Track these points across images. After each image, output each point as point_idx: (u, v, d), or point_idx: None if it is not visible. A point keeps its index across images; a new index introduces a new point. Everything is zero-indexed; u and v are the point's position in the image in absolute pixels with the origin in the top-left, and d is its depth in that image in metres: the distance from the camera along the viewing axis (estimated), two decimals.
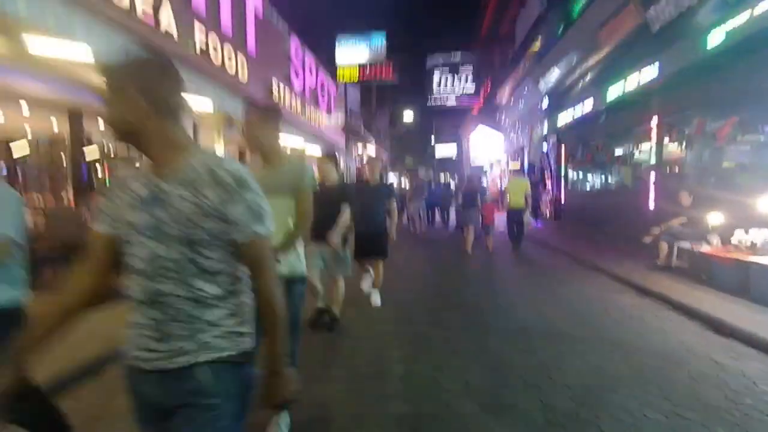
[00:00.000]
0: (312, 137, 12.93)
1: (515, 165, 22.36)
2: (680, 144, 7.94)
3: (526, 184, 9.97)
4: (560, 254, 9.45)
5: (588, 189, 12.83)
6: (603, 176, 11.83)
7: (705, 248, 6.14)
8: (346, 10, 21.17)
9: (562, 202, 14.61)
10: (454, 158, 42.63)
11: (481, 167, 33.04)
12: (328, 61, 19.22)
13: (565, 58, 11.83)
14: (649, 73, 8.13)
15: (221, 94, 6.85)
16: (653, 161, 8.76)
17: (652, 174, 8.77)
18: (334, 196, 3.99)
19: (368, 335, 4.37)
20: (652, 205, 8.76)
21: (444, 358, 3.76)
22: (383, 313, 5.15)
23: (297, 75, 11.31)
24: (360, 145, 25.43)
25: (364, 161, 21.61)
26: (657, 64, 7.85)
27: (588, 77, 11.42)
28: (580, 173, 13.45)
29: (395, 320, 4.87)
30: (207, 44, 6.77)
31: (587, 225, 12.10)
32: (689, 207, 6.94)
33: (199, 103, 6.23)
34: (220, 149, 8.81)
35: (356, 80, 19.36)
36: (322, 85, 14.00)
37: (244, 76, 8.20)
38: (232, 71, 7.71)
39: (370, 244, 5.21)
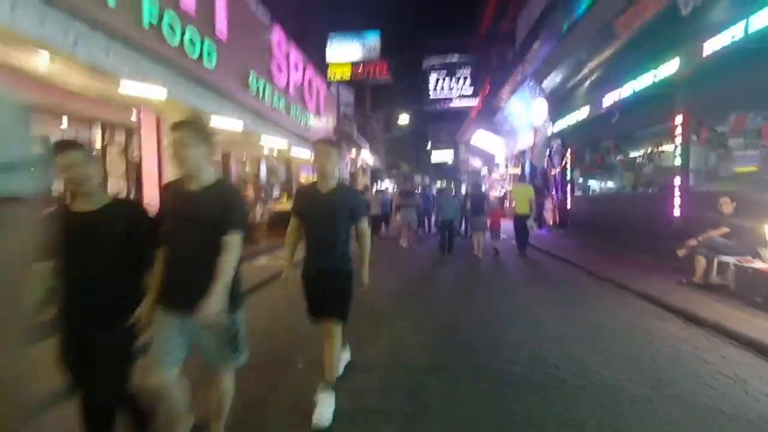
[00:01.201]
0: (298, 138, 11.88)
1: (515, 170, 21.50)
2: (712, 144, 6.96)
3: (530, 190, 10.39)
4: (574, 268, 8.42)
5: (598, 194, 11.85)
6: (616, 180, 10.85)
7: (759, 264, 5.12)
8: (339, 11, 20.17)
9: (569, 209, 13.63)
10: (450, 163, 41.79)
11: (479, 172, 32.17)
12: (319, 62, 18.27)
13: (571, 55, 10.93)
14: (673, 64, 7.18)
15: (178, 82, 5.80)
16: (678, 163, 7.77)
17: (677, 178, 7.78)
18: None
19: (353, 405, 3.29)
20: (677, 212, 7.77)
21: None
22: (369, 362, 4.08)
23: (280, 70, 10.29)
24: (354, 150, 24.47)
25: (358, 165, 20.31)
26: (684, 53, 6.89)
27: (597, 74, 10.51)
28: (589, 177, 12.48)
29: (387, 367, 3.80)
30: (160, 18, 5.71)
31: (598, 234, 11.11)
32: (732, 215, 5.94)
33: (144, 90, 5.17)
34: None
35: (348, 78, 18.31)
36: (310, 84, 12.98)
37: (211, 62, 7.16)
38: (194, 55, 6.67)
39: (320, 294, 2.99)
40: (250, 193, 16.36)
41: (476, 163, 31.00)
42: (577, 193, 13.16)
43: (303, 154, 12.67)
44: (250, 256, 9.80)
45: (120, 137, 8.86)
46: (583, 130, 11.83)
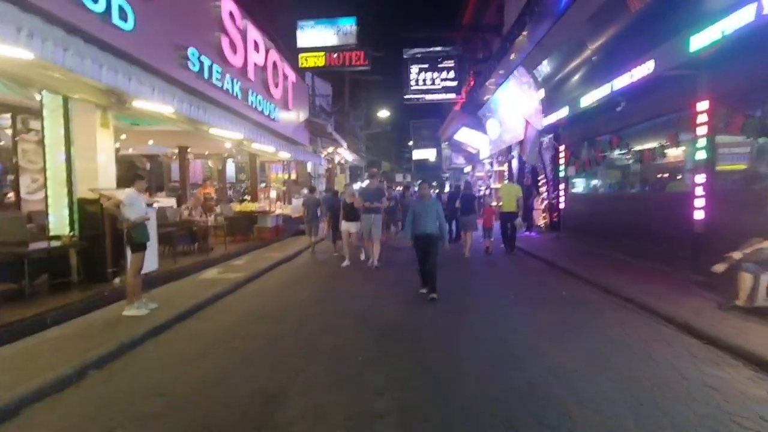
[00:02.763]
0: (260, 130, 10.32)
1: (501, 168, 20.33)
2: (751, 131, 5.74)
3: (518, 189, 10.56)
4: (576, 281, 7.15)
5: (597, 194, 10.64)
6: (619, 178, 9.65)
7: None
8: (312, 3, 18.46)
9: (561, 210, 12.44)
10: (432, 160, 40.53)
11: (463, 170, 31.00)
12: (289, 54, 16.69)
13: (571, 35, 9.70)
14: (699, 40, 5.93)
15: (63, 41, 4.24)
16: (702, 158, 6.56)
17: (701, 175, 6.57)
18: None
19: None
20: (700, 215, 6.56)
21: None
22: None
23: (234, 50, 8.73)
24: (332, 148, 22.92)
25: (336, 161, 18.65)
26: (711, 27, 5.65)
27: (599, 57, 9.28)
28: (586, 175, 11.28)
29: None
30: None
31: (596, 238, 9.91)
32: None
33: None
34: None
35: (323, 65, 16.74)
36: (275, 67, 11.42)
37: (126, 23, 5.61)
38: (97, 8, 5.10)
39: None
40: (209, 191, 14.75)
41: (459, 160, 29.83)
42: (572, 191, 11.96)
43: (267, 148, 11.12)
44: (198, 268, 8.26)
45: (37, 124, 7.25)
46: (580, 123, 10.61)
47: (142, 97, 5.91)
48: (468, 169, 28.82)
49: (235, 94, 8.85)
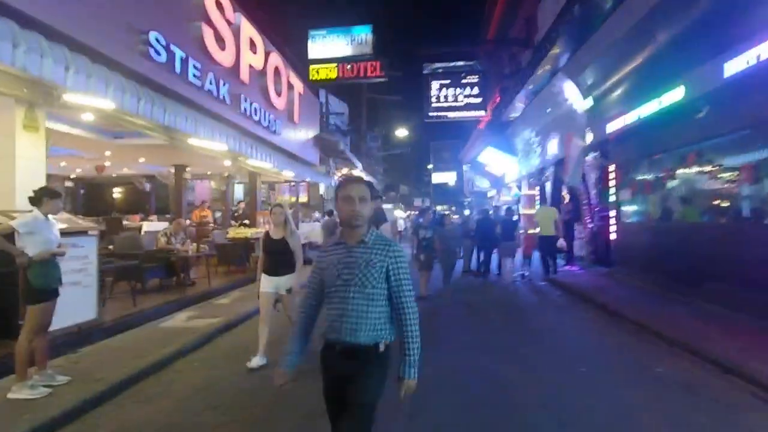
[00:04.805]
0: (254, 144, 8.77)
1: (531, 192, 18.42)
2: None
3: (554, 211, 10.45)
4: (659, 342, 5.19)
5: (664, 223, 8.65)
6: (699, 204, 7.66)
7: None
8: (326, 12, 17.32)
9: (611, 241, 10.44)
10: (451, 183, 38.86)
11: (485, 194, 29.11)
12: (300, 67, 15.43)
13: (630, 28, 8.02)
14: None
15: None
16: None
17: None
18: None
19: None
20: None
21: None
22: None
23: (222, 45, 7.28)
24: (346, 170, 21.49)
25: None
26: None
27: (668, 51, 7.52)
28: (645, 200, 9.32)
29: None
30: None
31: (664, 278, 7.90)
32: None
33: None
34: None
35: (335, 77, 15.34)
36: (277, 74, 9.98)
37: None
38: None
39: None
40: (206, 214, 13.26)
41: (483, 184, 28.01)
42: (626, 220, 9.99)
43: (263, 164, 9.56)
44: (165, 311, 6.57)
45: None
46: (638, 136, 8.75)
47: (75, 90, 4.40)
48: (492, 193, 26.95)
49: (221, 98, 7.35)
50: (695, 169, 7.36)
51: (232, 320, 6.37)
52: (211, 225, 12.91)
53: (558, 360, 4.75)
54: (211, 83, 6.98)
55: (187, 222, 11.30)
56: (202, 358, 5.00)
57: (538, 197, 16.83)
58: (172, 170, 12.68)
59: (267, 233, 4.64)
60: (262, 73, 9.22)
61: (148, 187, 16.98)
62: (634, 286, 8.58)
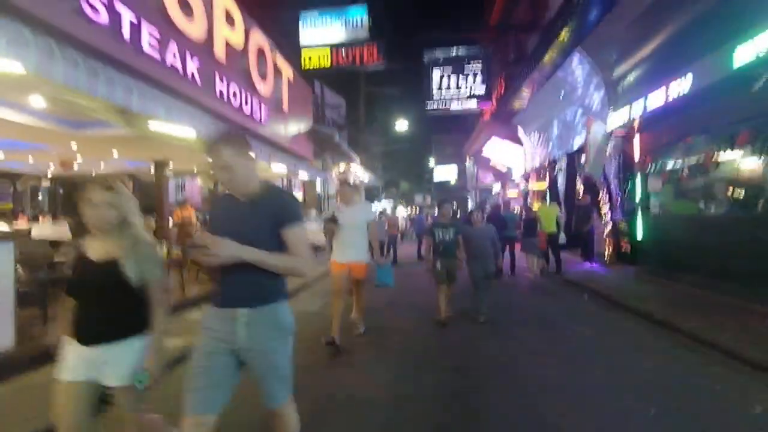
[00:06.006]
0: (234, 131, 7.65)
1: (540, 185, 17.30)
2: None
3: (556, 209, 10.50)
4: (731, 361, 4.08)
5: (704, 216, 7.52)
6: (751, 193, 6.52)
7: None
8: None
9: (638, 236, 9.33)
10: (453, 182, 37.82)
11: (490, 190, 28.02)
12: (292, 55, 14.31)
13: (649, 2, 6.91)
14: None
15: None
16: None
17: None
18: None
19: None
20: None
21: None
22: None
23: (189, 11, 6.17)
24: (344, 165, 20.40)
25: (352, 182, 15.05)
26: None
27: (709, 17, 6.42)
28: (679, 189, 8.21)
29: None
30: None
31: (705, 280, 6.80)
32: None
33: None
34: None
35: (329, 65, 14.20)
36: (261, 55, 8.87)
37: None
38: None
39: None
40: (188, 214, 12.17)
41: (488, 179, 26.93)
42: (656, 212, 8.88)
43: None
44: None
45: None
46: (674, 116, 7.65)
47: None
48: (497, 188, 25.86)
49: (188, 75, 6.23)
50: (746, 150, 6.24)
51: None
52: (194, 225, 11.81)
53: (615, 397, 3.64)
54: (174, 57, 5.87)
55: (169, 222, 10.27)
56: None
57: (547, 192, 15.74)
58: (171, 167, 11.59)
59: None
60: (243, 53, 8.11)
61: (131, 185, 15.90)
62: (666, 287, 7.47)
